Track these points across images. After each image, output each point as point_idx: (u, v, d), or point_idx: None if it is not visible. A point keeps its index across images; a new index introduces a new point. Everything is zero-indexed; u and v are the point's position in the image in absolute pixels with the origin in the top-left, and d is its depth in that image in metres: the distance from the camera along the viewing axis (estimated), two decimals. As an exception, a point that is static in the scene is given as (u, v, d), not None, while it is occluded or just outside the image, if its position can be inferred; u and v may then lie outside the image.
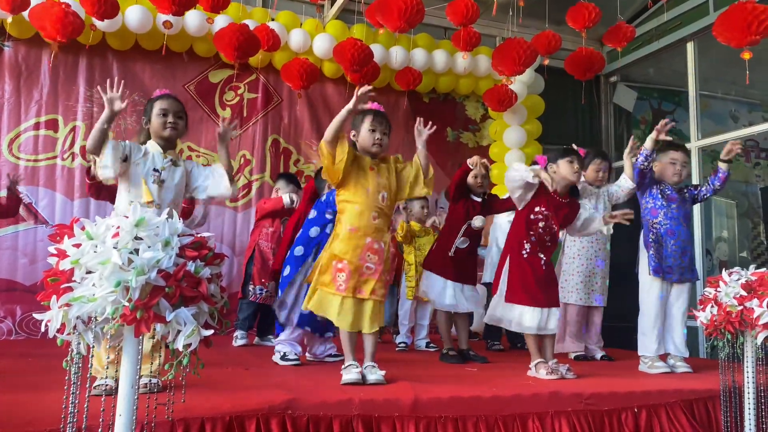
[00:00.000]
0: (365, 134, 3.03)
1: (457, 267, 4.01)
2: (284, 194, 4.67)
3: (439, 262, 4.04)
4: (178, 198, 2.97)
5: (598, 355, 4.35)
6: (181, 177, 2.96)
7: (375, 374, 2.81)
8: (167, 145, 2.96)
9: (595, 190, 4.32)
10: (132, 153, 2.86)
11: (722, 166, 3.77)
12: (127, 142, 2.88)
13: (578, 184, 3.58)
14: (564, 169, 3.46)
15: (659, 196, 3.80)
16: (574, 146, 3.71)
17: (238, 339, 4.76)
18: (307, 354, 3.82)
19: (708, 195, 3.88)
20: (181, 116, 2.98)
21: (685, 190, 3.90)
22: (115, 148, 2.77)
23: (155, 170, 2.86)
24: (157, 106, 2.93)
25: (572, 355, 4.29)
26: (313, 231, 3.71)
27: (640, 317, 3.77)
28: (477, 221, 4.00)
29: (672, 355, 3.72)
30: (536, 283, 3.35)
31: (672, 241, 3.72)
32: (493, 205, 4.14)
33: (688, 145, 6.34)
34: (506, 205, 4.03)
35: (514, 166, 3.46)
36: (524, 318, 3.32)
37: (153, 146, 2.93)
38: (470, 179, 4.12)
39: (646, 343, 3.70)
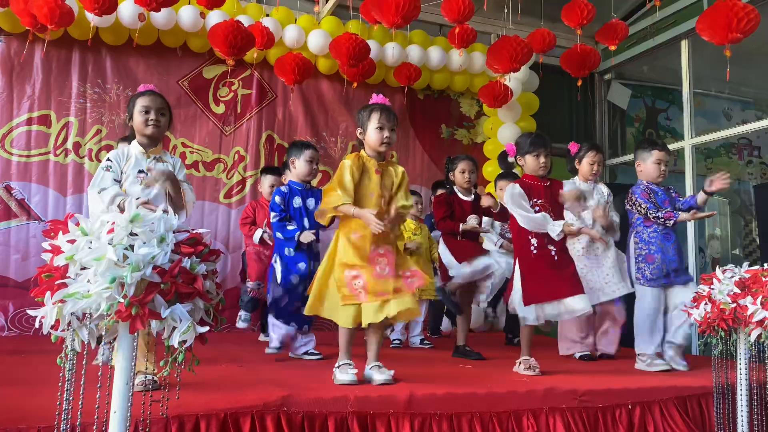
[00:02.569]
0: (373, 132, 2.95)
1: (474, 245, 4.11)
2: (257, 232, 4.70)
3: (464, 250, 4.08)
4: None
5: (599, 352, 4.24)
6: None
7: (384, 374, 2.75)
8: (150, 142, 2.93)
9: (587, 187, 4.26)
10: (120, 166, 2.85)
11: (699, 198, 3.75)
12: (112, 159, 2.85)
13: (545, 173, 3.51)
14: (530, 164, 3.46)
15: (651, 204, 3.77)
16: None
17: (241, 320, 4.80)
18: (290, 354, 3.87)
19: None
20: (164, 113, 2.93)
21: (672, 191, 3.92)
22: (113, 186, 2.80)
23: (140, 172, 2.85)
24: (139, 104, 2.89)
25: (577, 355, 4.22)
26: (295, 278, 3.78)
27: (637, 319, 3.76)
28: (471, 221, 4.04)
29: (673, 345, 3.71)
30: (552, 277, 3.32)
31: (670, 245, 3.73)
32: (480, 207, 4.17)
33: (681, 143, 6.37)
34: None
35: (549, 226, 3.36)
36: (545, 310, 3.30)
37: (135, 147, 2.91)
38: (458, 175, 4.14)
39: (645, 342, 3.70)
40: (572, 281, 3.35)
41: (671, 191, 3.93)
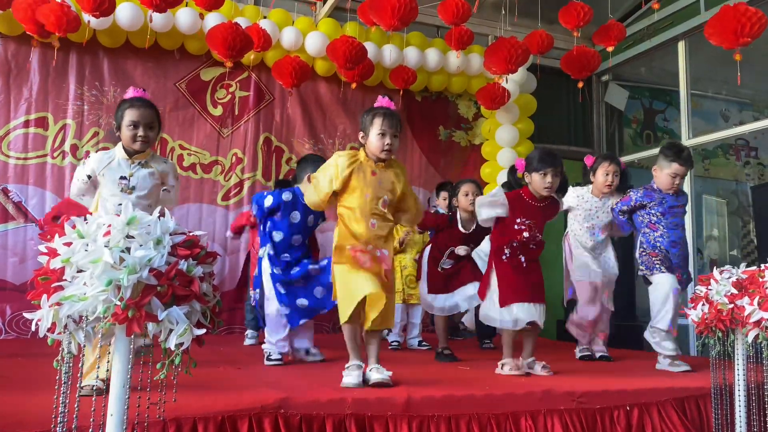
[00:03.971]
0: (374, 139, 2.91)
1: (450, 279, 4.09)
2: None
3: (437, 283, 4.11)
4: (154, 200, 2.92)
5: (598, 354, 4.24)
6: (154, 178, 2.90)
7: (381, 374, 2.75)
8: (137, 153, 2.88)
9: (596, 203, 4.21)
10: (96, 169, 2.84)
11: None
12: (90, 164, 2.86)
13: (551, 193, 3.46)
14: (536, 182, 3.42)
15: (656, 207, 3.77)
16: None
17: (248, 338, 4.84)
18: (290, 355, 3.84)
19: None
20: (153, 126, 2.85)
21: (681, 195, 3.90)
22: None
23: (122, 178, 2.82)
24: (127, 117, 2.80)
25: (579, 355, 4.24)
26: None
27: (654, 299, 3.73)
28: (461, 251, 4.09)
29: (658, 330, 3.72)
30: (521, 280, 3.36)
31: (676, 252, 3.74)
32: (480, 237, 4.20)
33: (678, 144, 6.38)
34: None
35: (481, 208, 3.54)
36: (519, 314, 3.31)
37: (119, 152, 2.87)
38: (462, 199, 4.16)
39: (663, 318, 3.67)
40: (535, 289, 3.38)
41: (678, 202, 3.87)
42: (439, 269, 4.10)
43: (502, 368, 3.36)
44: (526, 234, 3.38)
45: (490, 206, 3.47)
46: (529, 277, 3.39)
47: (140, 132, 2.81)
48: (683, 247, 3.79)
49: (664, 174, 3.77)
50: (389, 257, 2.94)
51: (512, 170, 3.72)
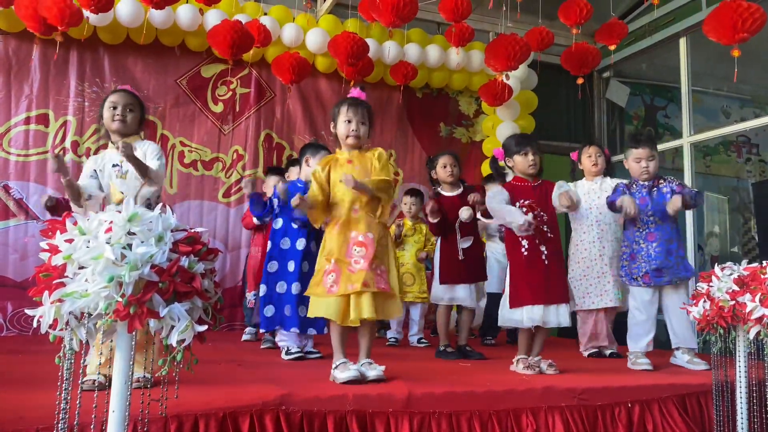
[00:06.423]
0: (341, 126, 2.99)
1: (469, 268, 4.01)
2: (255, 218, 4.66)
3: (452, 272, 4.02)
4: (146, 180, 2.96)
5: (608, 351, 4.21)
6: (142, 158, 2.92)
7: (375, 370, 2.74)
8: (120, 138, 2.94)
9: (593, 185, 4.25)
10: (97, 163, 2.92)
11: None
12: (90, 161, 2.95)
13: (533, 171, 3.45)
14: (519, 163, 3.44)
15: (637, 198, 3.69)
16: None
17: (245, 334, 4.86)
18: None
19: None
20: (132, 109, 2.97)
21: (663, 185, 3.74)
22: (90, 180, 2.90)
23: (114, 165, 2.90)
24: (109, 100, 2.96)
25: (586, 354, 4.22)
26: (285, 243, 3.77)
27: (629, 317, 3.76)
28: (464, 213, 3.95)
29: (685, 350, 3.67)
30: (538, 281, 3.28)
31: (654, 245, 3.64)
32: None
33: (680, 141, 6.37)
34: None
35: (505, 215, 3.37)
36: (531, 314, 3.26)
37: (110, 145, 2.99)
38: (440, 171, 4.13)
39: (633, 340, 3.70)
40: (558, 290, 3.31)
41: (663, 186, 3.75)
42: (461, 256, 3.98)
43: (516, 365, 3.33)
44: (530, 215, 3.33)
45: (496, 202, 3.40)
46: (550, 277, 3.30)
47: (118, 111, 2.92)
48: (665, 240, 3.64)
49: (631, 162, 3.81)
50: (374, 241, 2.88)
51: (493, 160, 3.72)
